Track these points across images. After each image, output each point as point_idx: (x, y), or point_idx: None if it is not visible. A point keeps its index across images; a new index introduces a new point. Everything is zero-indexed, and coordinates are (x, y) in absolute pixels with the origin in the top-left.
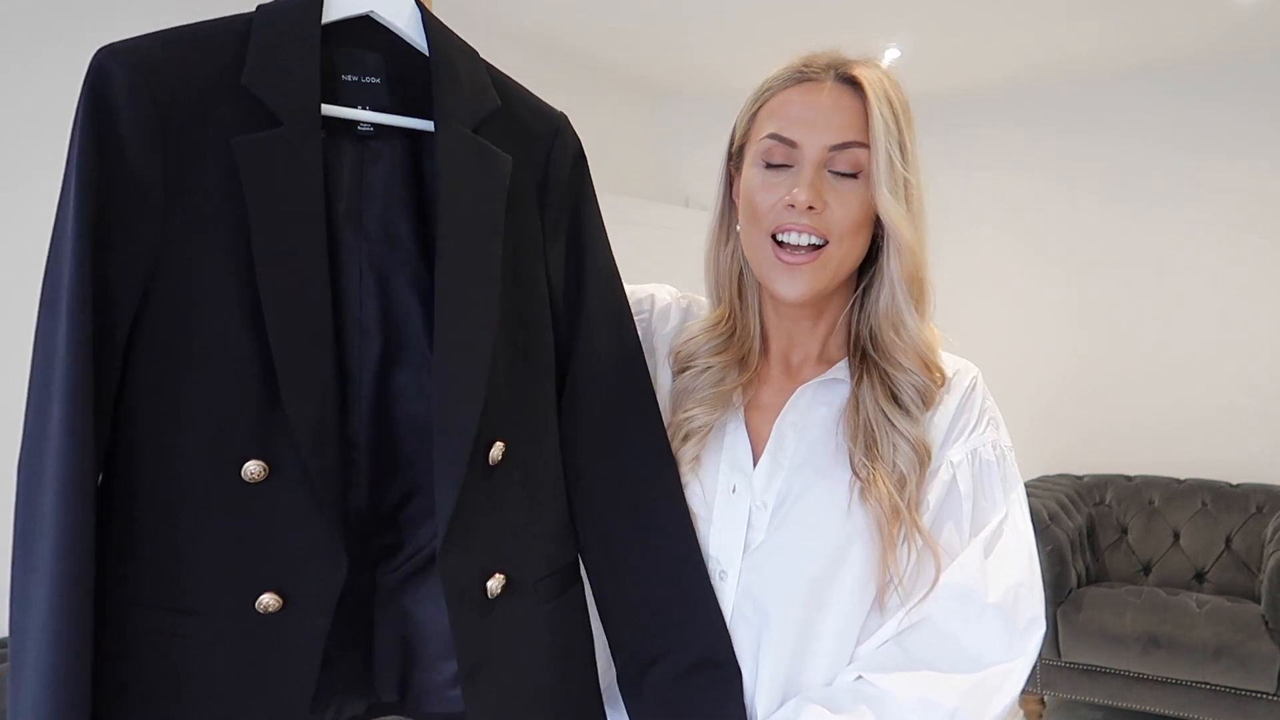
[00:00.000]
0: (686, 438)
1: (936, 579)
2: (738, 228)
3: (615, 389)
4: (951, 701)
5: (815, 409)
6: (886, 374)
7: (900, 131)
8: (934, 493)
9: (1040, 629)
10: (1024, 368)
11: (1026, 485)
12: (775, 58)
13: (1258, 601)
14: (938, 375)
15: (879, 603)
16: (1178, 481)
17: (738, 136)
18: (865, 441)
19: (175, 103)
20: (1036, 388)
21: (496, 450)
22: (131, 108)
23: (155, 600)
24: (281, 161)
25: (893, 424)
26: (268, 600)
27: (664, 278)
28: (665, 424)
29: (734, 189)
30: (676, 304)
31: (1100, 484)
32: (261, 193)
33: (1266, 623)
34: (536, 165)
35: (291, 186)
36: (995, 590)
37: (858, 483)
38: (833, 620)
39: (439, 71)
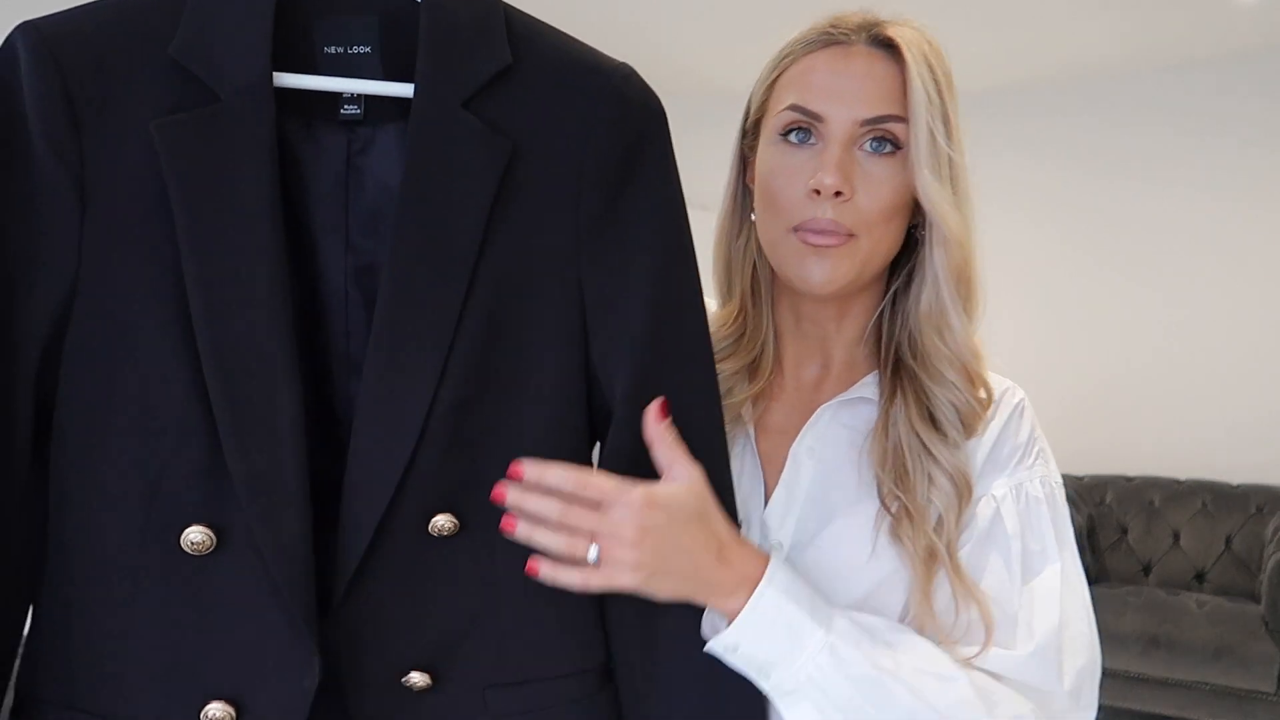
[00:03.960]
0: None
1: (988, 635)
2: (753, 216)
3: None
4: None
5: (835, 431)
6: (924, 389)
7: (944, 103)
8: (974, 526)
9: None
10: (1022, 369)
11: None
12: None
13: (1258, 601)
14: (984, 393)
15: None
16: (1178, 481)
17: (753, 110)
18: (895, 470)
19: (93, 80)
20: (1035, 389)
21: (443, 521)
22: (37, 86)
23: (78, 703)
24: (218, 147)
25: (928, 450)
26: (217, 713)
27: None
28: None
29: (748, 172)
30: None
31: (1100, 484)
32: (190, 188)
33: (1266, 623)
34: (569, 141)
35: (233, 179)
36: (1069, 677)
37: (886, 517)
38: None
39: (427, 24)
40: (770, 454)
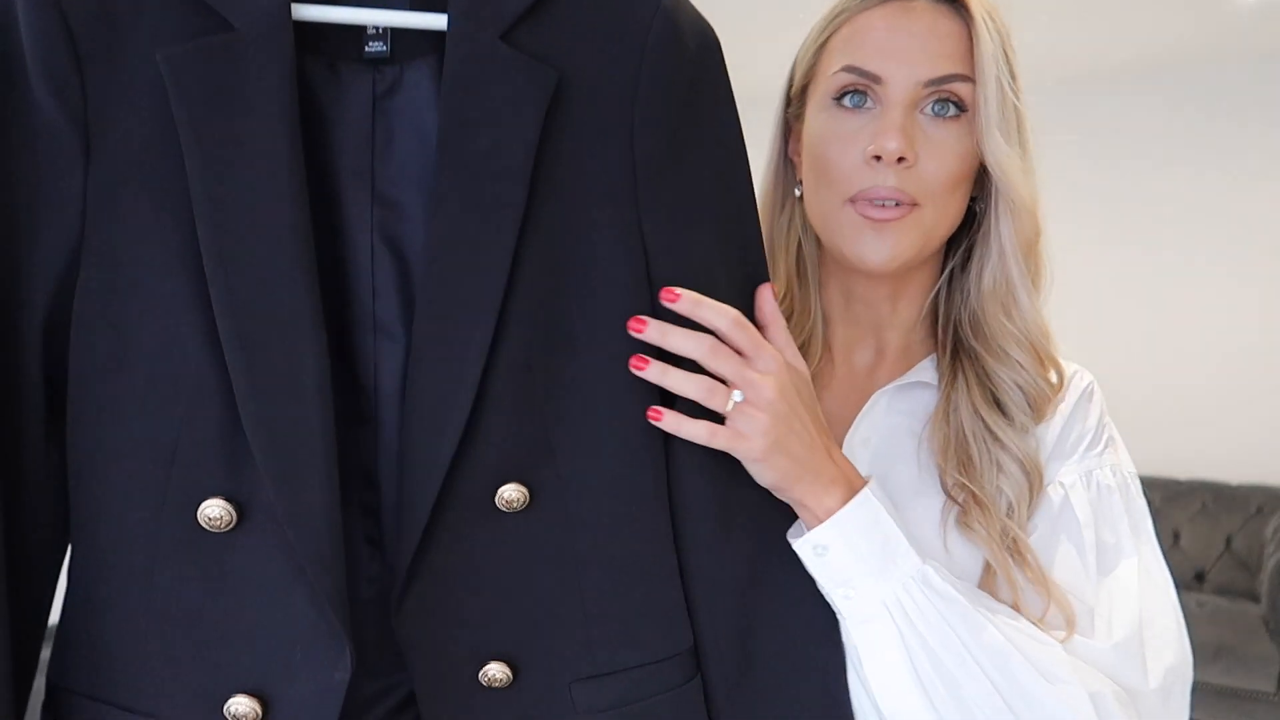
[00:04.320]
0: None
1: (1069, 627)
2: (796, 191)
3: None
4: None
5: (892, 419)
6: (987, 371)
7: (1009, 61)
8: (1041, 514)
9: None
10: None
11: None
12: (776, 56)
13: (1258, 601)
14: (1054, 375)
15: None
16: (1178, 482)
17: (799, 75)
18: (959, 458)
19: (95, 12)
20: None
21: (511, 492)
22: (35, 22)
23: (97, 693)
24: (232, 80)
25: (994, 435)
26: (241, 707)
27: None
28: None
29: (792, 143)
30: None
31: None
32: (201, 124)
33: (1266, 623)
34: (621, 71)
35: (249, 115)
36: (1155, 676)
37: (953, 508)
38: None
39: None
40: None
